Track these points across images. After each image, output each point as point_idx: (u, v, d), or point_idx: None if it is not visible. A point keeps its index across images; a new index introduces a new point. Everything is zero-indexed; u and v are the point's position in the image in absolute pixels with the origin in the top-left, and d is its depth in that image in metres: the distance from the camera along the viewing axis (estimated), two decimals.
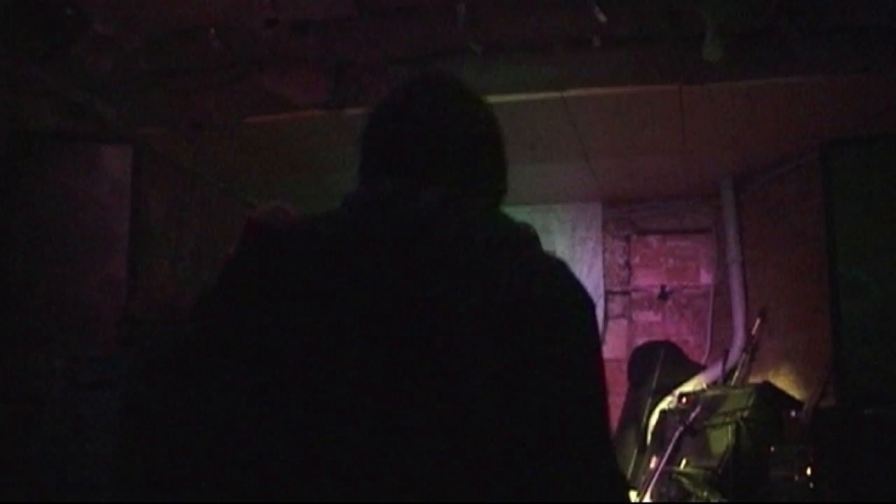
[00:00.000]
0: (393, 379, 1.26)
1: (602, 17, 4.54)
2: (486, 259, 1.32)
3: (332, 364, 1.28)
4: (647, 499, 5.71)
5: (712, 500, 5.27)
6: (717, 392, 6.10)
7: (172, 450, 1.36)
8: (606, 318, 7.90)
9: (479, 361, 1.26)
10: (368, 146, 1.53)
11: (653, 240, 8.00)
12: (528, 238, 1.43)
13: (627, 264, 8.02)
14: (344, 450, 1.25)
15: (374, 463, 1.25)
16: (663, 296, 7.83)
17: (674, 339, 7.62)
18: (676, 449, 5.71)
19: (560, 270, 1.39)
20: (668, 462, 5.69)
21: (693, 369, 7.11)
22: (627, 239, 8.04)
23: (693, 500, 5.47)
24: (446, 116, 1.52)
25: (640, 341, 7.71)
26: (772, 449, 4.99)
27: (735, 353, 6.96)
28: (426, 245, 1.32)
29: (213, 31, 4.84)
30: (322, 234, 1.36)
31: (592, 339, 1.40)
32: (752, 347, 6.92)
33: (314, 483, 1.26)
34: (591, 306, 1.40)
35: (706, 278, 7.78)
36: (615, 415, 7.50)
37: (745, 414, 5.33)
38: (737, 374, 6.88)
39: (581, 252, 7.87)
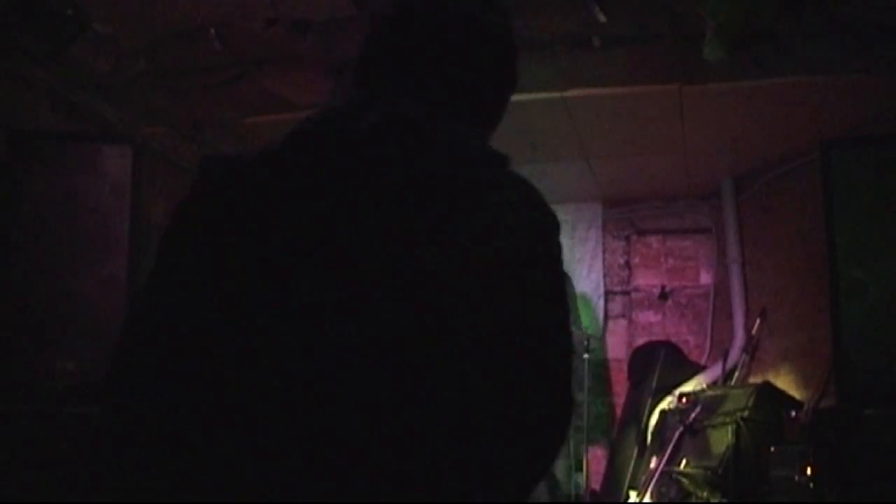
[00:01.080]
0: (337, 317, 1.24)
1: (602, 17, 4.54)
2: (424, 188, 1.29)
3: (286, 291, 1.26)
4: (647, 499, 5.71)
5: (712, 501, 5.27)
6: (717, 392, 6.10)
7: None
8: (606, 318, 7.90)
9: (426, 295, 1.24)
10: (367, 42, 1.51)
11: (653, 240, 8.00)
12: (485, 161, 1.39)
13: (627, 264, 8.02)
14: (320, 377, 1.22)
15: (347, 389, 1.22)
16: (663, 296, 7.83)
17: (674, 339, 7.62)
18: (676, 449, 5.72)
19: (520, 196, 1.37)
20: (668, 462, 5.69)
21: (693, 369, 7.11)
22: (627, 239, 8.04)
23: (693, 500, 5.47)
24: (448, 27, 1.49)
25: (640, 341, 7.71)
26: (772, 449, 4.99)
27: (735, 353, 6.96)
28: (361, 174, 1.30)
29: (213, 31, 4.84)
30: (265, 165, 1.35)
31: (555, 272, 1.38)
32: (752, 347, 6.92)
33: (288, 412, 1.22)
34: (555, 227, 1.38)
35: (706, 278, 7.78)
36: (615, 414, 7.51)
37: (745, 414, 5.33)
38: (737, 374, 6.88)
39: (581, 252, 7.87)
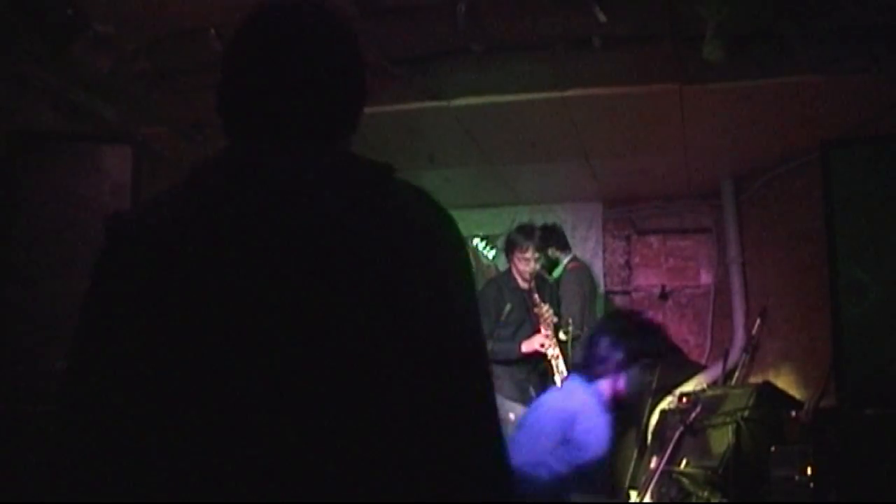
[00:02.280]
0: (275, 363, 1.27)
1: (602, 17, 4.53)
2: (343, 222, 1.33)
3: (211, 358, 1.27)
4: (647, 499, 5.71)
5: (712, 500, 5.27)
6: (718, 392, 6.10)
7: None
8: None
9: (350, 326, 1.28)
10: (224, 93, 1.50)
11: (653, 240, 8.01)
12: (382, 180, 1.42)
13: (628, 264, 8.02)
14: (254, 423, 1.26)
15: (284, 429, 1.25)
16: (663, 296, 7.84)
17: (674, 338, 7.62)
18: (676, 449, 5.71)
19: (422, 207, 1.42)
20: (669, 462, 5.68)
21: (693, 369, 7.11)
22: (628, 239, 8.04)
23: (693, 500, 5.47)
24: (301, 65, 1.46)
25: None
26: (772, 449, 4.99)
27: (735, 353, 6.96)
28: (279, 223, 1.31)
29: (213, 31, 4.84)
30: (176, 225, 1.34)
31: (462, 272, 1.43)
32: (752, 347, 6.92)
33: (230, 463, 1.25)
34: (451, 235, 1.43)
35: (706, 278, 7.78)
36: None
37: (746, 414, 5.33)
38: (737, 373, 6.88)
39: (581, 252, 7.87)
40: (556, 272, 6.88)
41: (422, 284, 1.34)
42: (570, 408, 4.13)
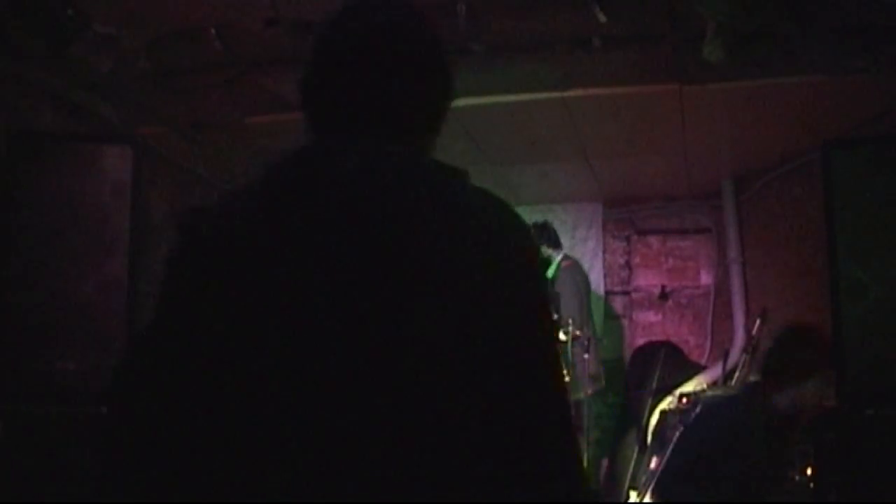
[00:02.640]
0: (344, 358, 1.27)
1: (602, 18, 4.53)
2: (414, 220, 1.33)
3: (282, 351, 1.28)
4: (647, 499, 5.70)
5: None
6: (718, 392, 6.10)
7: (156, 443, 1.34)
8: (607, 318, 7.89)
9: (422, 325, 1.28)
10: (306, 90, 1.52)
11: (653, 240, 8.01)
12: (455, 182, 1.43)
13: (628, 264, 8.02)
14: (325, 424, 1.26)
15: (353, 432, 1.25)
16: (664, 296, 7.84)
17: (674, 339, 7.63)
18: None
19: (496, 211, 1.43)
20: None
21: (693, 369, 7.11)
22: (628, 239, 8.05)
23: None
24: (388, 61, 1.47)
25: (640, 341, 7.72)
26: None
27: (735, 354, 6.96)
28: (350, 219, 1.32)
29: (213, 31, 4.84)
30: (250, 222, 1.36)
31: (535, 277, 1.45)
32: (752, 347, 6.92)
33: (300, 462, 1.26)
34: (526, 241, 1.44)
35: (706, 278, 7.79)
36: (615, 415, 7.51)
37: None
38: (737, 374, 6.87)
39: (581, 252, 7.87)
40: (550, 271, 6.88)
41: (494, 286, 1.33)
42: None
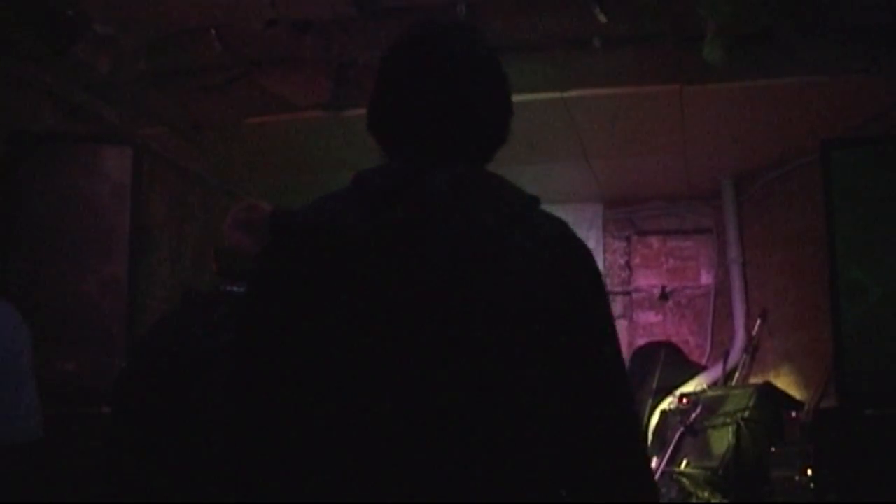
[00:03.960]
0: (429, 360, 1.34)
1: (602, 18, 4.54)
2: (498, 235, 1.42)
3: (373, 351, 1.35)
4: None
5: (713, 501, 5.27)
6: (718, 392, 6.10)
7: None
8: None
9: (505, 335, 1.37)
10: (379, 112, 1.59)
11: (653, 240, 8.00)
12: (530, 204, 1.56)
13: (628, 265, 8.02)
14: (399, 432, 1.32)
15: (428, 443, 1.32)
16: (664, 296, 7.83)
17: (674, 339, 7.62)
18: (677, 449, 5.72)
19: (565, 232, 1.54)
20: (669, 462, 5.69)
21: (693, 370, 7.11)
22: (628, 239, 8.04)
23: (693, 501, 5.47)
24: (460, 85, 1.55)
25: (640, 342, 7.70)
26: (772, 449, 5.00)
27: (735, 354, 6.96)
28: (440, 231, 1.40)
29: (213, 31, 4.84)
30: (342, 225, 1.41)
31: (604, 294, 1.53)
32: (752, 348, 6.92)
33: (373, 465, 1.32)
34: (593, 262, 1.54)
35: (707, 279, 7.78)
36: None
37: (746, 414, 5.34)
38: (737, 374, 6.88)
39: None
40: None
41: (563, 302, 1.42)
42: None
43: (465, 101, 1.54)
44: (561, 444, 1.39)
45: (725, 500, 5.18)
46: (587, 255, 1.53)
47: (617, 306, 7.99)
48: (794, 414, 5.22)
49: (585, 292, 1.47)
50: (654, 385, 6.92)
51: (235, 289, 2.81)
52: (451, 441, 1.31)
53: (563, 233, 1.53)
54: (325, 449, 1.34)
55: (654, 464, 5.93)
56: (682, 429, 5.71)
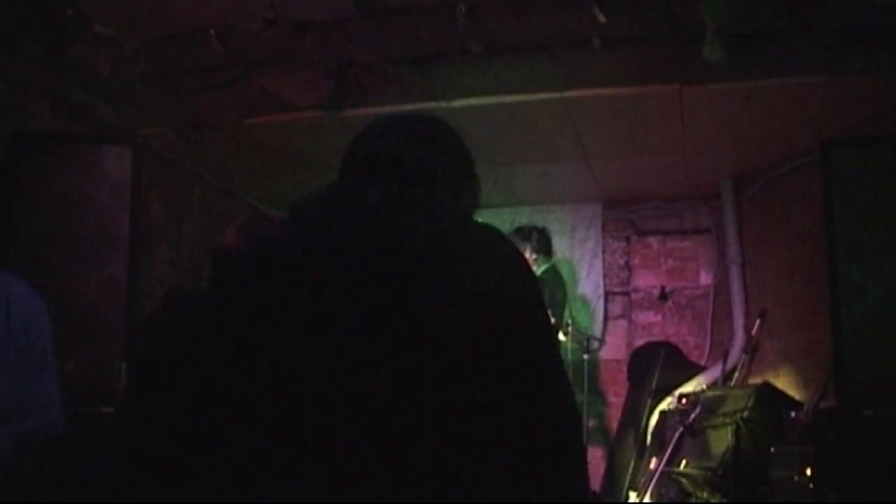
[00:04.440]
0: (368, 372, 1.35)
1: (602, 18, 4.54)
2: (432, 245, 1.43)
3: (308, 370, 1.36)
4: (646, 499, 5.71)
5: (712, 501, 5.28)
6: (717, 393, 6.10)
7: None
8: (606, 318, 7.89)
9: (442, 342, 1.37)
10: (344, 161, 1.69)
11: (653, 240, 8.00)
12: (465, 216, 1.57)
13: (627, 265, 8.02)
14: (331, 448, 1.33)
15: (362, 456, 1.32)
16: (663, 296, 7.83)
17: (673, 339, 7.62)
18: (676, 449, 5.72)
19: (501, 241, 1.53)
20: (668, 463, 5.69)
21: (693, 370, 7.11)
22: (627, 239, 8.04)
23: (693, 501, 5.47)
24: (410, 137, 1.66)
25: (639, 342, 7.70)
26: (772, 449, 4.99)
27: (735, 354, 6.96)
28: (375, 246, 1.42)
29: (212, 31, 4.84)
30: (280, 252, 1.46)
31: (540, 302, 1.53)
32: (751, 348, 6.92)
33: (301, 480, 1.32)
34: (528, 269, 1.53)
35: (706, 279, 7.78)
36: (615, 415, 7.51)
37: (745, 414, 5.33)
38: (736, 374, 6.88)
39: (581, 253, 7.87)
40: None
41: (498, 310, 1.41)
42: None
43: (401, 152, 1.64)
44: (497, 445, 1.38)
45: (725, 501, 5.18)
46: (522, 263, 1.53)
47: (616, 306, 8.00)
48: (793, 414, 5.22)
49: (521, 300, 1.46)
50: (654, 385, 6.92)
51: None
52: (387, 445, 1.32)
53: (499, 242, 1.53)
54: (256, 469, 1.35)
55: (653, 464, 5.93)
56: (681, 429, 5.71)
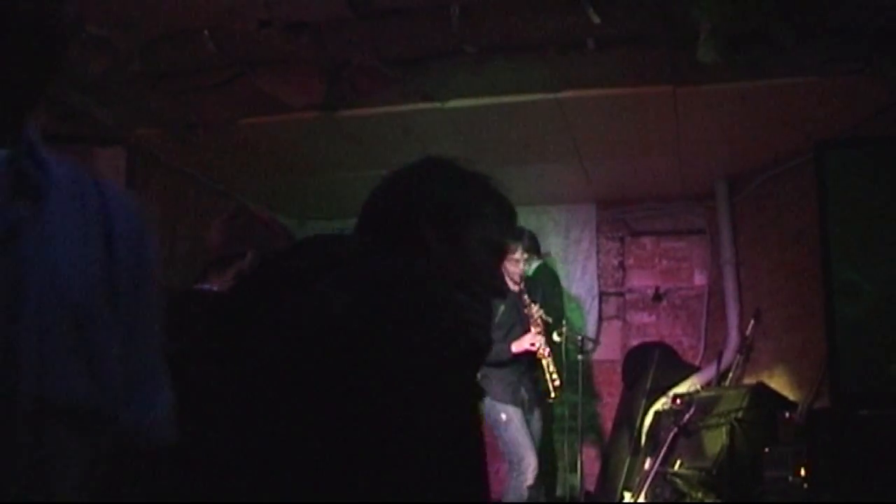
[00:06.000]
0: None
1: (596, 19, 4.54)
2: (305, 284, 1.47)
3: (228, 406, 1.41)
4: (641, 499, 5.71)
5: (706, 501, 5.28)
6: (712, 393, 6.11)
7: None
8: (600, 319, 7.90)
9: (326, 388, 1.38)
10: None
11: (647, 241, 8.01)
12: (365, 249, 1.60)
13: (621, 265, 8.02)
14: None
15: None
16: (657, 297, 7.84)
17: (668, 340, 7.62)
18: (671, 450, 5.72)
19: (391, 273, 1.53)
20: (663, 463, 5.69)
21: (687, 370, 7.12)
22: (621, 240, 8.04)
23: (687, 501, 5.48)
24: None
25: (634, 342, 7.71)
26: (766, 450, 5.00)
27: (729, 354, 6.97)
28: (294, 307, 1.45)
29: (206, 32, 4.83)
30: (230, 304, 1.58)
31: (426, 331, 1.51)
32: (746, 348, 6.93)
33: None
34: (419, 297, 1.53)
35: (700, 279, 7.79)
36: (610, 416, 7.51)
37: (740, 415, 5.34)
38: (731, 375, 6.89)
39: (575, 253, 7.87)
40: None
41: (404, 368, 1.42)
42: None
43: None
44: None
45: (719, 501, 5.19)
46: (433, 312, 1.52)
47: (610, 307, 8.00)
48: (787, 414, 5.23)
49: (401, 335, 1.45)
50: (648, 386, 6.92)
51: (206, 287, 2.81)
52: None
53: (384, 275, 1.52)
54: None
55: (647, 464, 5.94)
56: (675, 429, 5.71)
